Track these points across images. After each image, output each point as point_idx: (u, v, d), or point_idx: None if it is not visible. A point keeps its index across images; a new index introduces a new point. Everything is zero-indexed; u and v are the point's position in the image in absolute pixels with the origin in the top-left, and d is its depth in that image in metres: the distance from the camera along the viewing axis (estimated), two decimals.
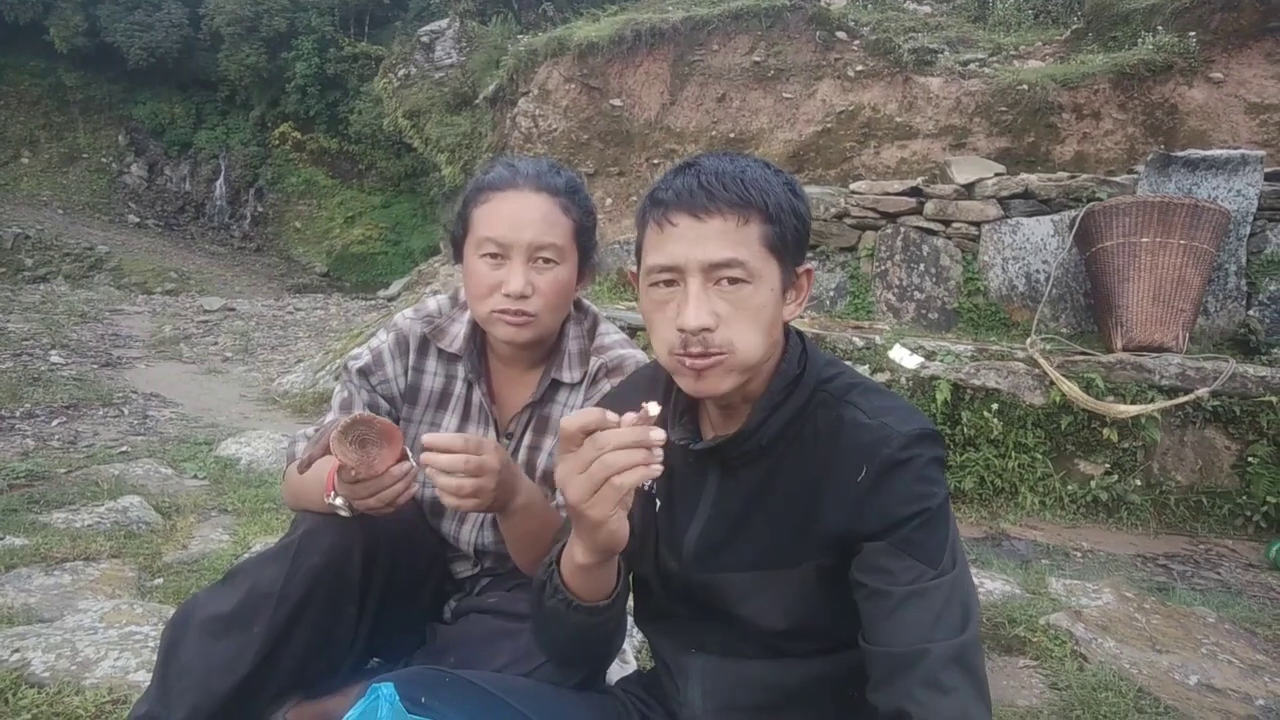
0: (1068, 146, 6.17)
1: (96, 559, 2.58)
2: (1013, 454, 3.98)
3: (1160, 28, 6.20)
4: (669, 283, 1.13)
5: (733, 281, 1.10)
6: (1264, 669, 2.36)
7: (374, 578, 1.46)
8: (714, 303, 1.10)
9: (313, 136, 20.21)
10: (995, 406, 3.99)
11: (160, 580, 2.49)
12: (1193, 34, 5.99)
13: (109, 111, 20.79)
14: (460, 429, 1.62)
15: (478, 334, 1.61)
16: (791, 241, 1.14)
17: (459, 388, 1.63)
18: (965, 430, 4.01)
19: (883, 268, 5.31)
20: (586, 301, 1.68)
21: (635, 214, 1.23)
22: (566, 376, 1.58)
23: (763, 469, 1.18)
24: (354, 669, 1.53)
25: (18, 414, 4.55)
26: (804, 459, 1.15)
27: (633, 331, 4.37)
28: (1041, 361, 4.03)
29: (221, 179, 20.98)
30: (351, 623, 1.44)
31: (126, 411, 4.83)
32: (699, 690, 1.24)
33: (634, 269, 1.27)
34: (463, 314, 1.64)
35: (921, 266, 5.19)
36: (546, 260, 1.47)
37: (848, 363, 1.35)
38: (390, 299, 11.65)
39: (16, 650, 1.88)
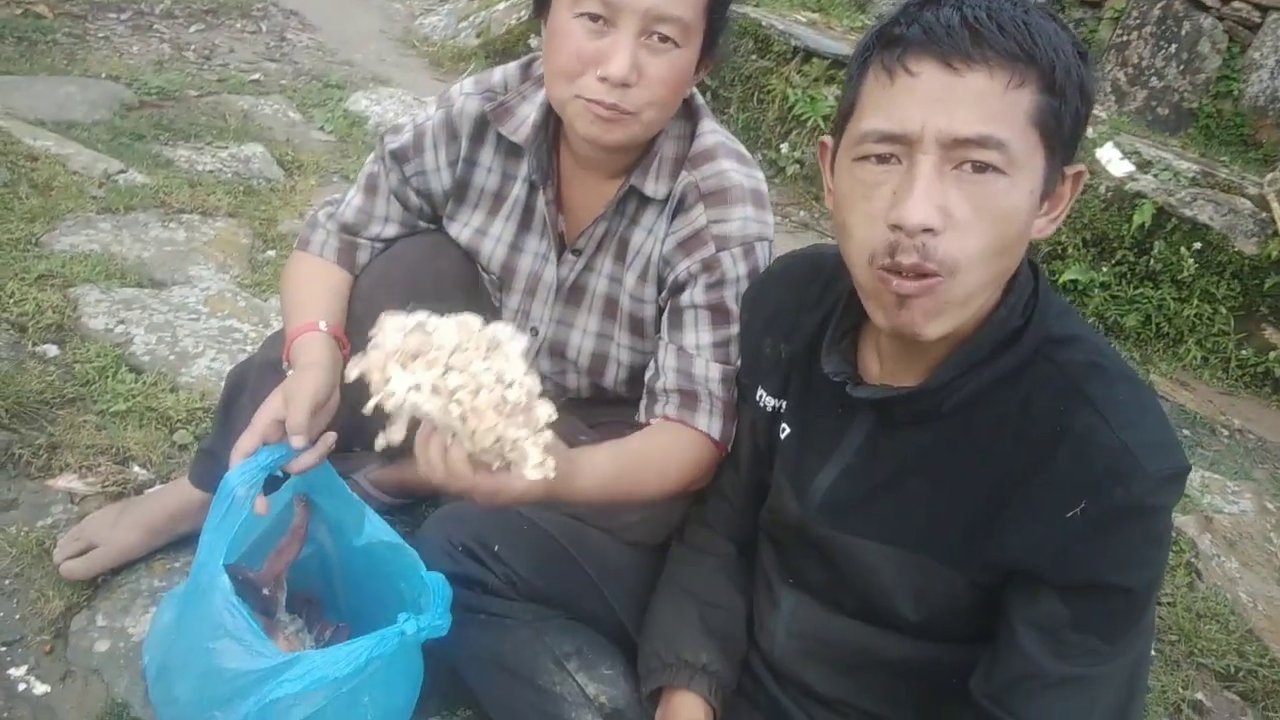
0: None
1: (213, 215, 2.53)
2: (1195, 301, 3.50)
3: None
4: (884, 158, 0.81)
5: (979, 169, 0.78)
6: None
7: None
8: (948, 195, 0.78)
9: None
10: (1197, 245, 3.44)
11: (272, 253, 2.45)
12: None
13: None
14: (516, 240, 1.30)
15: (551, 121, 1.22)
16: (1069, 128, 0.81)
17: (517, 189, 1.28)
18: (1152, 264, 3.50)
19: (1125, 38, 4.39)
20: (694, 90, 1.26)
21: (851, 59, 0.87)
22: (650, 187, 1.20)
23: (935, 433, 0.92)
24: None
25: (157, 11, 4.39)
26: (998, 439, 0.88)
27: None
28: (1275, 206, 3.38)
29: None
30: None
31: (264, 29, 4.61)
32: (784, 629, 1.09)
33: (827, 138, 0.93)
34: (536, 92, 1.24)
35: (1172, 48, 4.26)
36: (664, 38, 1.06)
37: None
38: None
39: (122, 322, 1.89)
